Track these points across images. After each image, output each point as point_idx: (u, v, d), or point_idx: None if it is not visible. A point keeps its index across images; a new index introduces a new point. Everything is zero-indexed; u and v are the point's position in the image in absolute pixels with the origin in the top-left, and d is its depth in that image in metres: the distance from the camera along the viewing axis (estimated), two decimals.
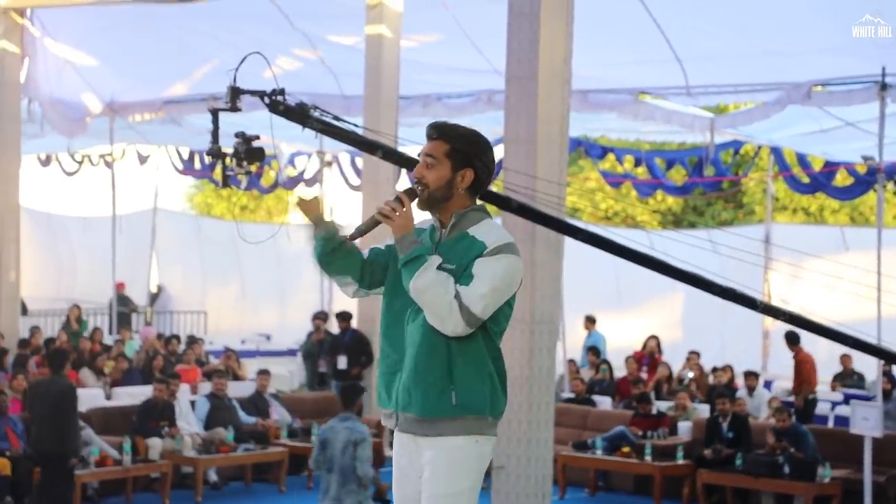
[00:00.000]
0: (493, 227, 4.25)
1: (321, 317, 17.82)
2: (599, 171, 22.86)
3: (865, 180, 18.00)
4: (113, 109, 20.59)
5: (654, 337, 18.96)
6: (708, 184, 21.63)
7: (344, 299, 21.37)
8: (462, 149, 4.24)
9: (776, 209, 27.51)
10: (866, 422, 12.23)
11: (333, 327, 18.47)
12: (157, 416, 13.17)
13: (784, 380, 16.57)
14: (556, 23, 9.71)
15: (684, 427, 14.49)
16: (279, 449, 13.75)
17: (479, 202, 4.32)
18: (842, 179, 20.29)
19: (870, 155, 14.04)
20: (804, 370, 15.69)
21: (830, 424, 15.43)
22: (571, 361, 18.28)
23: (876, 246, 13.00)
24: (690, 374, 17.33)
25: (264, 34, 16.66)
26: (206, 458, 12.99)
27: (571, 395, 16.13)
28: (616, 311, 21.57)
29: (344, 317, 16.22)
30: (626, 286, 21.67)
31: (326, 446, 9.79)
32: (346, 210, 23.37)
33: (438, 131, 4.26)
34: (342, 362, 16.05)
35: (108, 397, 15.37)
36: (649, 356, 18.53)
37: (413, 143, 9.52)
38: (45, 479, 11.00)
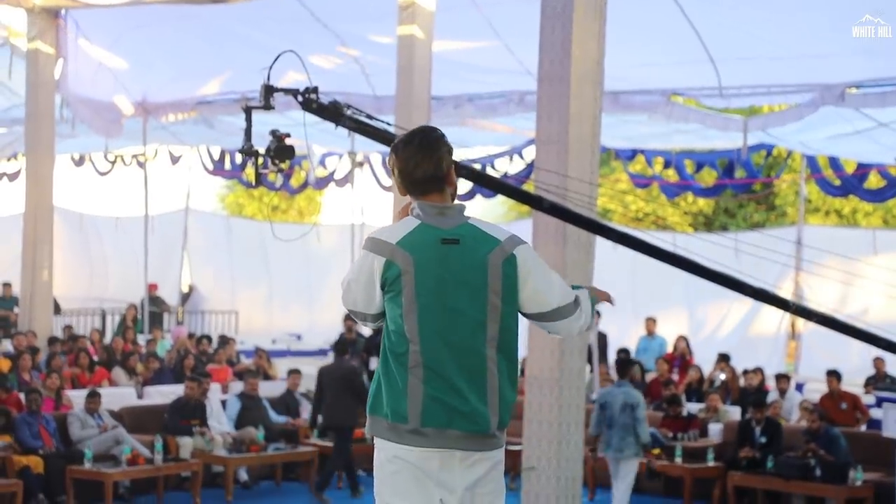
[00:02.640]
0: (383, 228, 4.35)
1: (351, 318, 17.82)
2: (629, 172, 22.82)
3: None
4: (146, 110, 20.69)
5: (683, 338, 18.90)
6: (738, 185, 21.55)
7: None
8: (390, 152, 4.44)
9: (809, 211, 27.38)
10: None
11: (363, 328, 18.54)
12: (188, 414, 13.23)
13: (816, 382, 16.46)
14: (588, 23, 9.69)
15: (715, 429, 14.43)
16: (309, 448, 13.78)
17: (428, 200, 4.26)
18: (875, 182, 20.16)
19: None
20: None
21: (863, 428, 15.33)
22: (602, 363, 18.25)
23: None
24: (722, 376, 17.26)
25: (296, 34, 16.71)
26: (236, 457, 13.04)
27: None
28: (631, 313, 21.47)
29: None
30: (641, 290, 21.61)
31: (605, 407, 11.72)
32: (377, 210, 23.37)
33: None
34: (374, 363, 16.07)
35: (140, 396, 15.46)
36: (680, 357, 18.47)
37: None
38: (338, 447, 13.24)
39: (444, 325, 4.08)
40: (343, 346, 14.10)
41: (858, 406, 15.04)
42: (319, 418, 13.49)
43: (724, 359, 17.88)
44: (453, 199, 4.29)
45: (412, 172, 4.23)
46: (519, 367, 4.31)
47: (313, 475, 13.58)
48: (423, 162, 4.21)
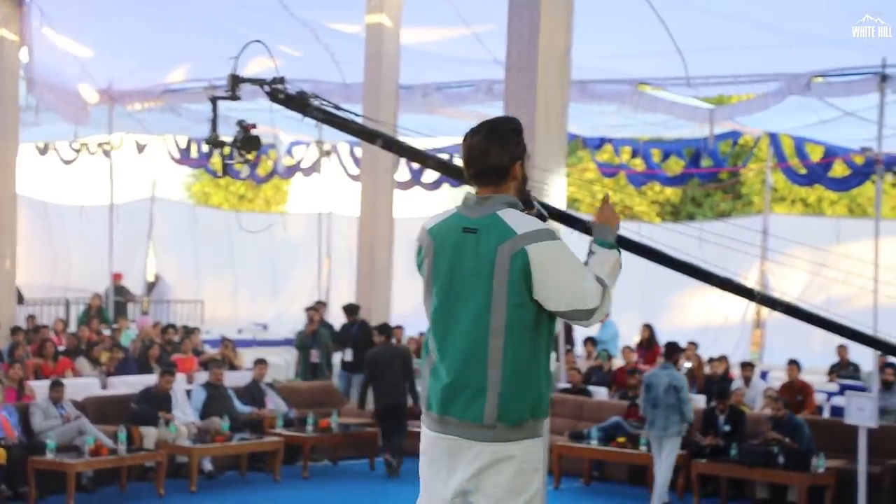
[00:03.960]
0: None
1: (315, 308, 17.81)
2: (596, 161, 22.87)
3: (863, 171, 18.01)
4: (111, 98, 20.57)
5: (647, 326, 18.99)
6: (705, 175, 21.64)
7: (341, 290, 21.41)
8: None
9: (774, 200, 27.52)
10: (861, 412, 12.23)
11: (331, 318, 18.50)
12: (155, 405, 13.16)
13: (781, 370, 16.58)
14: (556, 13, 9.70)
15: None
16: (274, 438, 13.74)
17: (478, 192, 4.25)
18: (840, 170, 20.29)
19: (868, 146, 14.05)
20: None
21: (826, 415, 15.44)
22: (569, 352, 18.30)
23: (873, 236, 13.03)
24: (688, 364, 17.33)
25: (264, 22, 16.63)
26: (200, 447, 12.98)
27: (568, 386, 16.14)
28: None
29: (352, 310, 16.18)
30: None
31: (651, 389, 12.34)
32: (345, 200, 23.31)
33: None
34: (349, 355, 16.06)
35: (104, 386, 15.36)
36: (646, 345, 18.56)
37: (413, 133, 9.49)
38: (388, 426, 13.92)
39: (451, 312, 4.14)
40: (388, 328, 14.61)
41: (808, 400, 15.09)
42: (370, 401, 14.16)
43: (690, 347, 17.96)
44: (519, 194, 4.23)
45: (470, 161, 4.21)
46: (541, 360, 4.16)
47: (278, 465, 13.55)
48: (484, 153, 4.16)
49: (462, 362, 4.11)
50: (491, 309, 4.06)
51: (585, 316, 4.11)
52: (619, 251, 4.25)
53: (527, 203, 4.37)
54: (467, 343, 4.10)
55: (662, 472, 12.38)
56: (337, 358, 17.01)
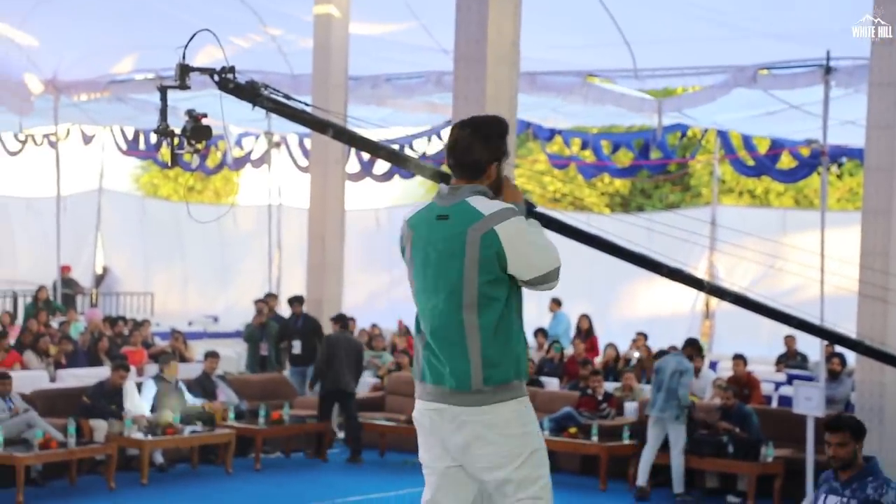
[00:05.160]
0: None
1: (264, 300, 17.75)
2: (547, 153, 22.94)
3: (809, 163, 18.22)
4: (57, 88, 20.36)
5: (585, 316, 19.10)
6: (654, 166, 21.79)
7: (292, 282, 21.35)
8: None
9: (722, 192, 27.75)
10: (809, 402, 12.38)
11: (283, 310, 18.42)
12: (107, 399, 13.07)
13: (730, 360, 16.72)
14: (504, 5, 9.72)
15: (630, 408, 14.60)
16: (226, 431, 13.69)
17: (454, 183, 4.57)
18: (786, 162, 20.50)
19: (814, 138, 14.20)
20: None
21: (774, 405, 15.60)
22: None
23: (819, 228, 13.18)
24: (637, 355, 17.46)
25: (213, 11, 16.52)
26: (151, 440, 12.91)
27: None
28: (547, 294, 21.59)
29: (297, 301, 16.14)
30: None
31: (659, 372, 12.82)
32: (294, 191, 23.23)
33: None
34: (297, 347, 16.01)
35: (53, 379, 15.23)
36: (584, 335, 18.68)
37: (363, 123, 9.49)
38: (346, 414, 14.65)
39: (430, 291, 4.47)
40: (344, 318, 15.18)
41: (754, 393, 15.20)
42: (317, 386, 14.75)
43: (639, 338, 18.08)
44: (496, 189, 4.50)
45: (452, 152, 4.50)
46: (513, 324, 4.48)
47: (230, 458, 13.50)
48: (467, 147, 4.46)
49: (444, 336, 4.44)
50: (463, 285, 4.38)
51: (555, 276, 4.45)
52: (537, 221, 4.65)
53: (530, 212, 4.69)
54: (445, 318, 4.43)
55: (676, 463, 12.64)
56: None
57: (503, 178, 4.59)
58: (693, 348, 13.70)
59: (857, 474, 6.34)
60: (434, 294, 4.46)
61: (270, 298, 18.14)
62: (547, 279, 4.43)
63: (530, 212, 4.66)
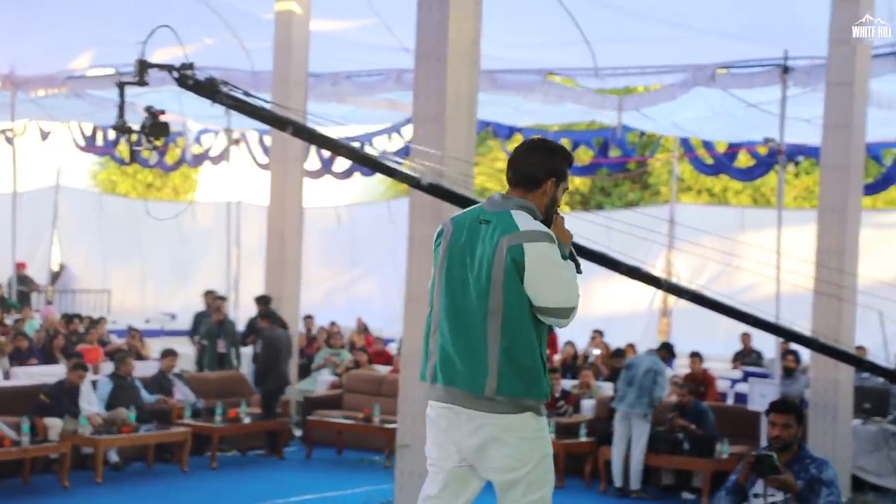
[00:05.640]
0: None
1: (223, 298, 17.67)
2: (507, 151, 22.97)
3: (766, 161, 18.35)
4: (14, 84, 20.17)
5: None
6: (613, 164, 21.88)
7: (251, 279, 21.26)
8: None
9: (681, 190, 27.90)
10: (764, 399, 12.48)
11: (242, 308, 18.32)
12: (64, 397, 12.97)
13: (687, 357, 16.82)
14: (465, 3, 9.72)
15: (588, 405, 14.65)
16: (182, 429, 13.62)
17: (508, 192, 4.70)
18: (744, 161, 20.64)
19: (771, 137, 14.30)
20: None
21: (730, 402, 15.71)
22: None
23: (776, 226, 13.29)
24: (596, 352, 17.53)
25: (172, 7, 16.41)
26: (106, 438, 12.80)
27: None
28: None
29: (264, 301, 16.03)
30: None
31: (631, 368, 13.00)
32: (254, 188, 23.13)
33: None
34: (260, 346, 15.91)
35: (7, 377, 15.08)
36: None
37: (324, 121, 9.46)
38: (274, 411, 14.61)
39: (457, 290, 4.56)
40: (274, 313, 15.39)
41: (710, 390, 15.30)
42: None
43: (597, 335, 18.15)
44: (547, 212, 4.62)
45: (511, 164, 4.65)
46: (534, 344, 4.52)
47: (186, 456, 13.43)
48: (525, 159, 4.63)
49: (466, 338, 4.51)
50: (490, 291, 4.47)
51: (567, 315, 4.50)
52: (574, 265, 4.65)
53: (571, 255, 4.67)
54: (470, 321, 4.51)
55: (636, 460, 12.72)
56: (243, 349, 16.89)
57: (556, 213, 4.69)
58: (667, 351, 13.82)
59: (796, 456, 6.48)
60: (460, 295, 4.54)
61: (221, 302, 18.07)
62: (557, 314, 4.49)
63: (571, 255, 4.66)
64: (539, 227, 4.49)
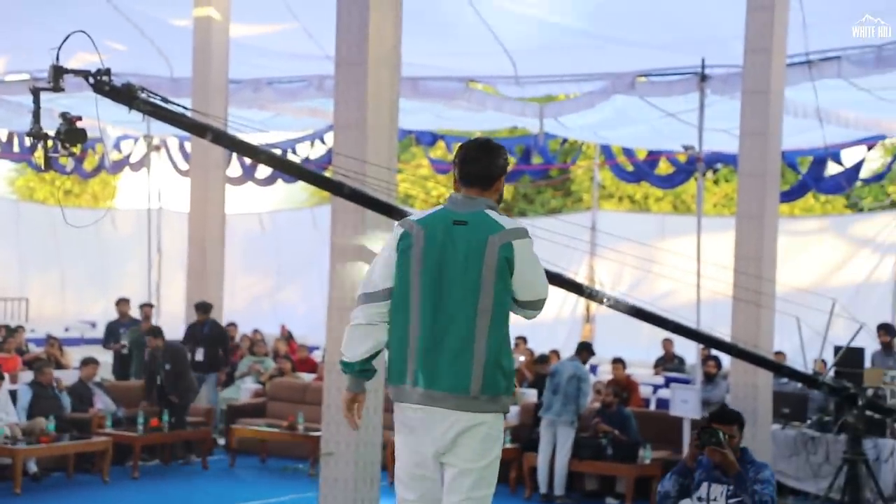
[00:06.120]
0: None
1: (150, 305, 17.47)
2: (430, 158, 23.01)
3: (686, 169, 18.56)
4: None
5: None
6: (536, 171, 21.99)
7: (170, 289, 21.07)
8: None
9: (603, 197, 28.12)
10: (685, 404, 12.63)
11: (164, 315, 18.11)
12: None
13: (609, 363, 16.95)
14: (384, 9, 9.72)
15: (512, 411, 14.70)
16: (103, 438, 13.44)
17: (464, 192, 4.81)
18: (664, 168, 20.86)
19: (690, 144, 14.47)
20: None
21: (652, 407, 15.85)
22: None
23: (695, 233, 13.44)
24: (521, 359, 17.58)
25: (86, 14, 16.19)
26: (24, 448, 12.60)
27: None
28: None
29: (203, 308, 15.83)
30: None
31: (555, 376, 13.00)
32: (175, 195, 22.91)
33: None
34: (200, 354, 15.75)
35: None
36: None
37: (244, 127, 9.41)
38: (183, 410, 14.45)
39: (440, 293, 4.60)
40: (159, 330, 15.02)
41: (633, 396, 15.42)
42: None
43: (520, 342, 18.21)
44: (499, 205, 4.80)
45: (465, 165, 4.78)
46: (509, 342, 4.72)
47: (107, 466, 13.26)
48: (468, 163, 4.77)
49: (452, 338, 4.58)
50: (480, 291, 4.58)
51: (541, 306, 4.73)
52: None
53: None
54: (456, 321, 4.58)
55: (560, 459, 12.80)
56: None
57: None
58: (588, 352, 13.84)
59: (738, 460, 6.63)
60: (445, 296, 4.60)
61: (147, 307, 17.89)
62: (536, 306, 4.70)
63: None
64: (518, 223, 4.69)
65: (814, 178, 18.51)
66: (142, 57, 17.68)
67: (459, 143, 4.99)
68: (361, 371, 4.75)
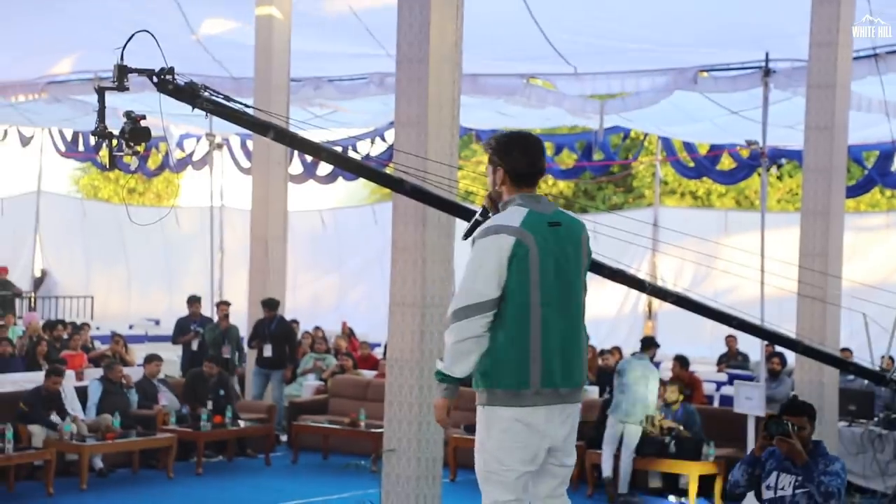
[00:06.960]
0: (495, 217, 4.81)
1: (227, 303, 17.55)
2: None
3: (749, 164, 18.39)
4: None
5: None
6: (597, 168, 21.89)
7: (234, 284, 21.21)
8: (492, 154, 4.92)
9: (665, 193, 27.93)
10: (749, 401, 12.49)
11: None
12: (45, 405, 12.90)
13: (671, 360, 16.83)
14: (446, 6, 9.70)
15: None
16: (167, 435, 13.57)
17: (526, 192, 4.87)
18: (727, 164, 20.67)
19: (753, 139, 14.32)
20: None
21: (716, 404, 15.71)
22: None
23: (759, 228, 13.29)
24: None
25: (150, 14, 16.36)
26: (90, 444, 12.75)
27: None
28: None
29: (270, 305, 15.94)
30: None
31: (622, 374, 12.73)
32: (236, 193, 23.05)
33: (484, 145, 4.92)
34: (268, 350, 15.88)
35: None
36: None
37: (305, 126, 9.44)
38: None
39: (561, 296, 4.76)
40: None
41: (696, 393, 15.27)
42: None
43: None
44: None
45: (527, 166, 4.85)
46: None
47: (171, 462, 13.38)
48: (537, 160, 4.88)
49: (577, 336, 4.84)
50: (582, 290, 4.89)
51: None
52: None
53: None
54: (578, 319, 4.85)
55: (626, 464, 12.63)
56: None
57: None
58: (655, 347, 13.78)
59: (810, 455, 6.60)
60: (569, 296, 4.78)
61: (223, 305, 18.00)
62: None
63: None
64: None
65: (880, 173, 18.25)
66: (203, 57, 17.81)
67: (495, 139, 4.97)
68: (461, 381, 4.86)
